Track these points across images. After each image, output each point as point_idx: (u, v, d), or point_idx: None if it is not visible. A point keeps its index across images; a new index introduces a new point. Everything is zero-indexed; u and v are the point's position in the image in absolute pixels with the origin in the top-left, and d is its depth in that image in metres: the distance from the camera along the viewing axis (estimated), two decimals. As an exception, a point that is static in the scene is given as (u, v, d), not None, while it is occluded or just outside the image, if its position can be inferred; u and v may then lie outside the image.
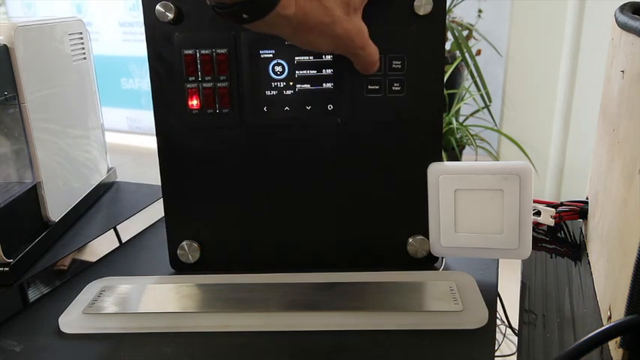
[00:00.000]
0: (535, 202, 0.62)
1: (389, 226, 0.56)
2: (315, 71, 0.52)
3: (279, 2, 0.40)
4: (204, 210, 0.56)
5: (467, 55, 1.94)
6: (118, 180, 0.84)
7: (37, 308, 0.52)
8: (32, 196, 0.62)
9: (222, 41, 0.51)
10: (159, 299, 0.51)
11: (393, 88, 0.52)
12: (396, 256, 0.56)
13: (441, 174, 0.51)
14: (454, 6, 2.10)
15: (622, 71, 0.45)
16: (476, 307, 0.47)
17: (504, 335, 0.95)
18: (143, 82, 3.24)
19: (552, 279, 0.54)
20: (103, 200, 0.78)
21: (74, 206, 0.70)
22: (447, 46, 2.04)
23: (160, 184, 0.56)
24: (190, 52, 0.51)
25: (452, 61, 2.06)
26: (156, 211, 0.66)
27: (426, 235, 0.54)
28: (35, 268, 0.59)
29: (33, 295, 0.63)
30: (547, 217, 0.62)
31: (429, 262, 0.56)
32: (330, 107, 0.53)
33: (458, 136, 2.10)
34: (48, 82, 0.65)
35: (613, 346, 0.40)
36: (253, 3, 0.39)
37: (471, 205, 0.51)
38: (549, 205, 0.63)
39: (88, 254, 0.77)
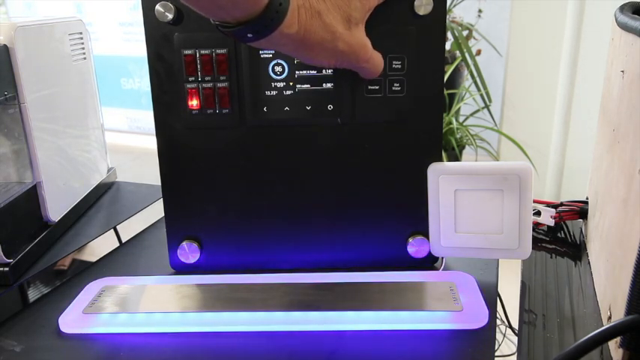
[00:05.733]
0: (535, 202, 0.62)
1: (389, 226, 0.56)
2: (315, 71, 0.52)
3: (283, 21, 0.40)
4: (204, 210, 0.56)
5: (467, 55, 1.94)
6: (117, 180, 0.84)
7: (37, 308, 0.52)
8: (32, 196, 0.62)
9: (222, 41, 0.51)
10: (159, 299, 0.51)
11: (393, 88, 0.52)
12: (396, 256, 0.56)
13: (441, 174, 0.51)
14: (454, 6, 2.10)
15: (622, 71, 0.45)
16: (476, 307, 0.47)
17: (504, 335, 0.95)
18: (143, 82, 3.23)
19: (552, 279, 0.54)
20: (103, 200, 0.78)
21: (74, 206, 0.70)
22: (447, 46, 2.04)
23: (159, 184, 0.56)
24: (190, 52, 0.51)
25: (452, 61, 2.06)
26: (156, 211, 0.66)
27: (426, 235, 0.54)
28: (35, 268, 0.59)
29: (33, 295, 0.63)
30: (547, 217, 0.62)
31: (429, 262, 0.57)
32: (330, 107, 0.53)
33: (458, 136, 2.10)
34: (48, 82, 0.65)
35: (613, 346, 0.40)
36: (257, 23, 0.40)
37: (471, 205, 0.51)
38: (549, 205, 0.63)
39: (88, 254, 0.77)
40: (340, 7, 0.43)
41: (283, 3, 0.40)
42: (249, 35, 0.41)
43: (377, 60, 0.49)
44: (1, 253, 0.55)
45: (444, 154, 1.35)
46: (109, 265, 0.61)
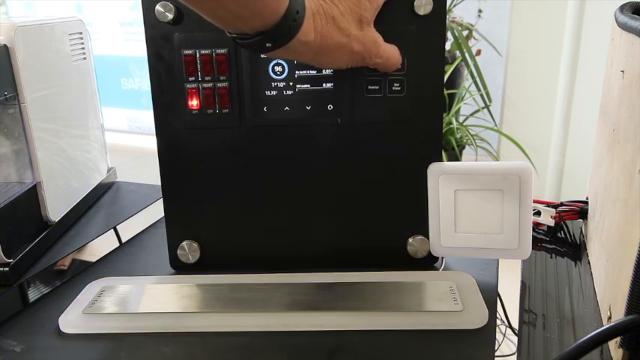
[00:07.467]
0: (535, 202, 0.62)
1: (389, 226, 0.56)
2: (315, 71, 0.52)
3: (300, 29, 0.41)
4: (204, 210, 0.56)
5: (467, 55, 1.94)
6: (117, 180, 0.84)
7: (37, 308, 0.52)
8: (32, 196, 0.62)
9: (222, 41, 0.51)
10: (159, 299, 0.51)
11: (393, 88, 0.52)
12: (396, 256, 0.56)
13: (441, 174, 0.51)
14: (454, 6, 2.10)
15: (622, 71, 0.45)
16: (476, 307, 0.47)
17: (504, 335, 0.95)
18: (143, 82, 3.23)
19: (552, 279, 0.54)
20: (103, 200, 0.78)
21: (74, 206, 0.70)
22: (447, 46, 2.04)
23: (159, 184, 0.56)
24: (190, 52, 0.51)
25: (452, 61, 2.06)
26: (156, 211, 0.66)
27: (426, 235, 0.54)
28: (35, 268, 0.59)
29: (33, 295, 0.63)
30: (547, 217, 0.62)
31: (429, 262, 0.56)
32: (330, 107, 0.53)
33: (458, 136, 2.10)
34: (48, 82, 0.65)
35: (613, 346, 0.40)
36: (276, 32, 0.40)
37: (471, 205, 0.51)
38: (549, 205, 0.63)
39: (88, 254, 0.77)
40: (352, 9, 0.44)
41: (300, 11, 0.40)
42: (267, 45, 0.41)
43: (390, 53, 0.49)
44: (1, 253, 0.55)
45: (444, 154, 1.35)
46: (109, 265, 0.61)
